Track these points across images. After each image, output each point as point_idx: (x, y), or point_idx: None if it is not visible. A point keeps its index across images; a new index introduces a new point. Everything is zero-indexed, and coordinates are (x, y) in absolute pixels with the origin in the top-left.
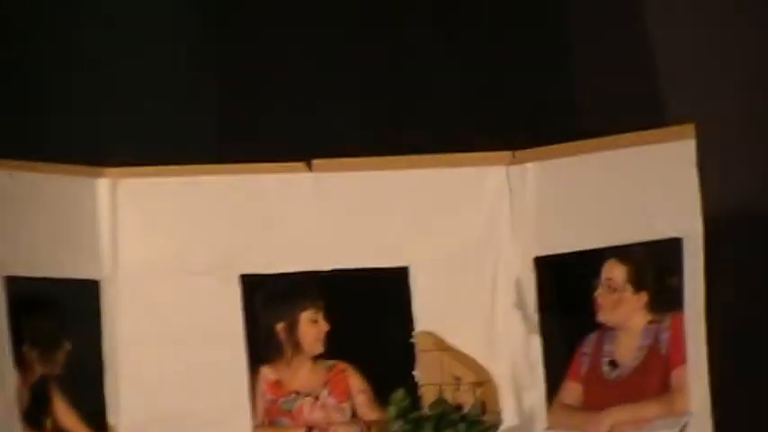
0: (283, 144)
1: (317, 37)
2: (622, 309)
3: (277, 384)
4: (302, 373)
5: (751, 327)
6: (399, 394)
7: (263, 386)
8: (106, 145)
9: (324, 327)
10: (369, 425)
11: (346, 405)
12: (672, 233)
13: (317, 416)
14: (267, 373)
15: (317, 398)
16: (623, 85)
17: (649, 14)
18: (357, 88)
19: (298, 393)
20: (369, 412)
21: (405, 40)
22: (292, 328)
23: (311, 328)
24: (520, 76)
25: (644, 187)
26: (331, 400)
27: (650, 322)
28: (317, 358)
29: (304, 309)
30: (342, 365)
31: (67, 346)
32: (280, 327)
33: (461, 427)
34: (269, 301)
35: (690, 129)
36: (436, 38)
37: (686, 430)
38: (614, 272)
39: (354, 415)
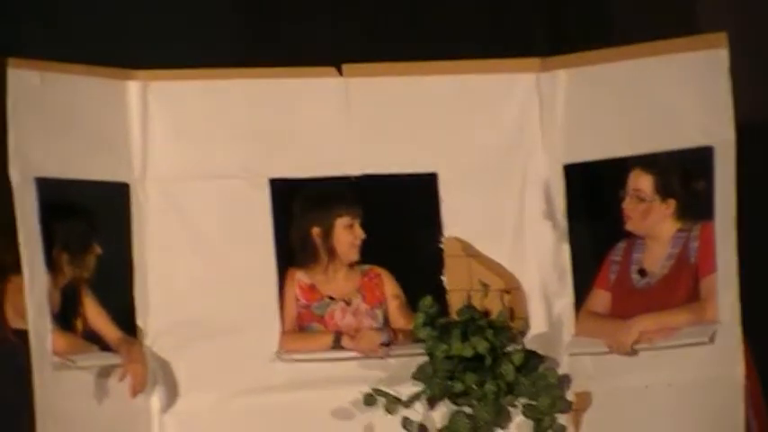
0: (313, 49)
1: None
2: (651, 218)
3: (311, 289)
4: (336, 279)
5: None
6: (427, 301)
7: (296, 290)
8: (136, 48)
9: (360, 234)
10: (397, 332)
11: (379, 311)
12: (703, 141)
13: (348, 321)
14: (301, 277)
15: (349, 303)
16: None
17: None
18: None
19: (331, 299)
20: (400, 318)
21: None
22: (328, 233)
23: (347, 234)
24: None
25: (675, 96)
26: (363, 306)
27: (679, 230)
28: (351, 266)
29: (339, 215)
30: (377, 270)
31: (98, 249)
32: (315, 231)
33: (489, 333)
34: (305, 205)
35: (722, 37)
36: None
37: (715, 339)
38: (641, 181)
39: (386, 322)
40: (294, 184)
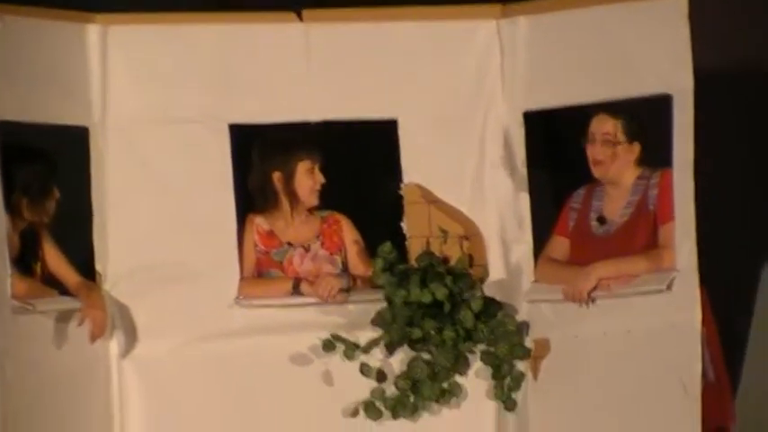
0: None
1: None
2: (617, 162)
3: (269, 235)
4: (296, 225)
5: (738, 183)
6: (386, 247)
7: (255, 236)
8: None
9: (320, 179)
10: (356, 278)
11: (338, 257)
12: (662, 89)
13: (307, 267)
14: (260, 223)
15: (308, 249)
16: None
17: None
18: None
19: (290, 245)
20: (359, 264)
21: None
22: (289, 177)
23: (307, 178)
24: None
25: (635, 43)
26: (323, 252)
27: (639, 178)
28: (311, 211)
29: (300, 159)
30: (336, 216)
31: (57, 193)
32: (276, 176)
33: (448, 279)
34: (266, 150)
35: None
36: None
37: (673, 286)
38: (607, 125)
39: (345, 268)
40: (255, 129)
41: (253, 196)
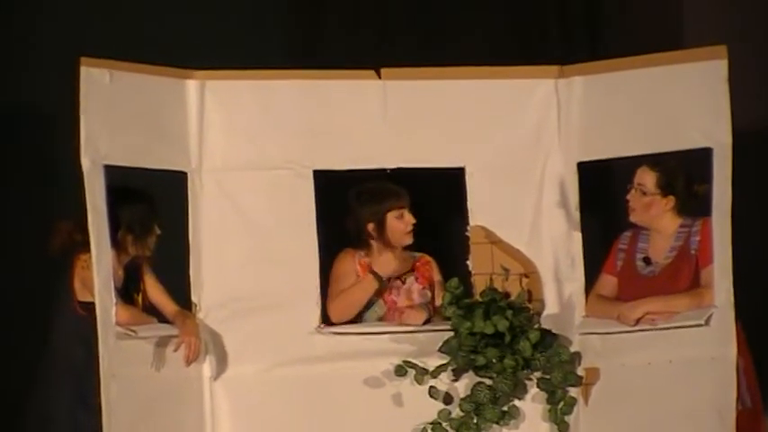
0: (353, 55)
1: None
2: (651, 211)
3: (369, 267)
4: (390, 260)
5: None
6: (453, 282)
7: (357, 267)
8: (195, 52)
9: (410, 219)
10: (435, 310)
11: (428, 291)
12: (703, 143)
13: (402, 298)
14: (361, 256)
15: (404, 282)
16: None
17: None
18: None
19: (389, 278)
20: (438, 299)
21: None
22: (380, 227)
23: (398, 223)
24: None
25: (679, 101)
26: (417, 286)
27: (682, 225)
28: (402, 249)
29: (389, 209)
30: (427, 258)
31: (157, 231)
32: (370, 227)
33: (508, 313)
34: (358, 204)
35: (723, 49)
36: None
37: (711, 321)
38: (645, 177)
39: (432, 301)
40: (337, 174)
41: (350, 237)
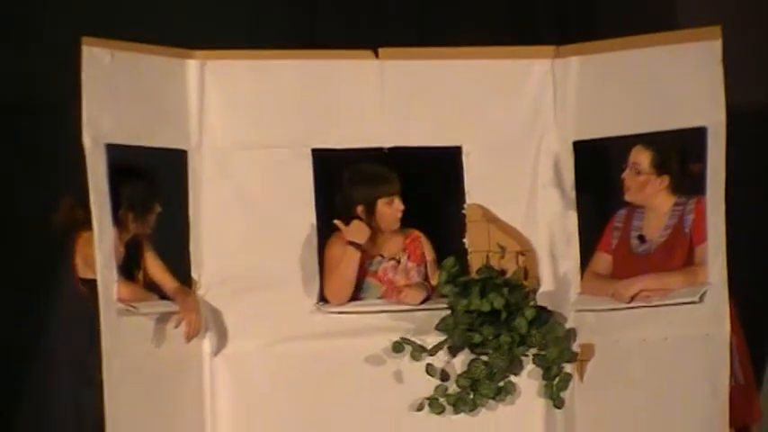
0: (351, 36)
1: None
2: (647, 190)
3: (363, 250)
4: (382, 241)
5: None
6: (450, 261)
7: (354, 261)
8: (196, 31)
9: (399, 206)
10: (432, 288)
11: (422, 268)
12: (698, 122)
13: (399, 277)
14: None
15: (399, 261)
16: None
17: None
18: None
19: (382, 257)
20: (433, 276)
21: None
22: (370, 211)
23: (387, 209)
24: None
25: (674, 81)
26: (411, 264)
27: (676, 204)
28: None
29: (379, 196)
30: (416, 233)
31: (158, 208)
32: (359, 209)
33: (504, 290)
34: (350, 185)
35: (717, 30)
36: None
37: (704, 298)
38: (640, 157)
39: (425, 278)
40: (335, 153)
41: (338, 213)
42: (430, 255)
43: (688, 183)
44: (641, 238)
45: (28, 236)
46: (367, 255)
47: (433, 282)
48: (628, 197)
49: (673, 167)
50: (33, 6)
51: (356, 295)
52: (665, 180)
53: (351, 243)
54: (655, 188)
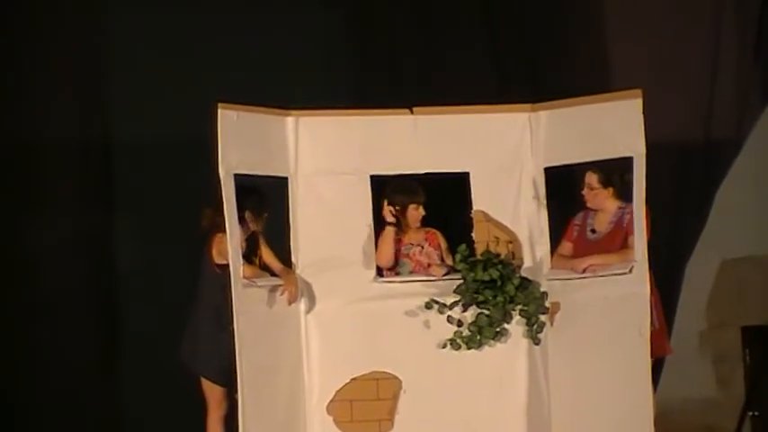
0: (392, 96)
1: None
2: (598, 198)
3: (399, 240)
4: (410, 234)
5: (668, 212)
6: (462, 247)
7: (393, 238)
8: (290, 100)
9: (422, 213)
10: (448, 266)
11: (439, 252)
12: (627, 153)
13: (424, 258)
14: (396, 232)
15: (423, 247)
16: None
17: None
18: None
19: (411, 244)
20: (448, 258)
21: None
22: (403, 212)
23: (415, 213)
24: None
25: (610, 126)
26: (430, 249)
27: (619, 207)
28: (417, 227)
29: (411, 203)
30: (433, 230)
31: (266, 215)
32: (390, 209)
33: (499, 266)
34: (390, 194)
35: (638, 92)
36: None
37: (633, 270)
38: (591, 178)
39: (442, 259)
40: (384, 178)
41: (379, 212)
42: (444, 244)
43: (628, 191)
44: (593, 231)
45: (188, 235)
46: (401, 243)
47: (449, 262)
48: (589, 205)
49: (615, 182)
50: (169, 68)
51: (396, 269)
52: (611, 191)
53: (389, 224)
54: (604, 197)
